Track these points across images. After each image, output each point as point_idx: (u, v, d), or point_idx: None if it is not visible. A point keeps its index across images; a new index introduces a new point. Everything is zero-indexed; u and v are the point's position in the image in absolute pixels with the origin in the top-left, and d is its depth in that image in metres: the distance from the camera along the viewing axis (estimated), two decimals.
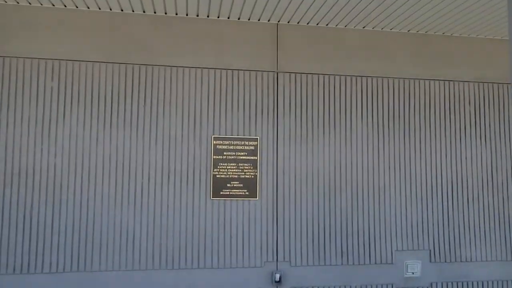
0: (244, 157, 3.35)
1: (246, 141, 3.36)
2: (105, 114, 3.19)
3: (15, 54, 3.10)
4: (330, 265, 3.41)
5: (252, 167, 3.35)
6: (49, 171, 3.08)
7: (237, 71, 3.41)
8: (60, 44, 3.17)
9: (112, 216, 3.13)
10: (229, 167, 3.32)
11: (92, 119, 3.17)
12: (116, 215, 3.14)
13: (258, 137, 3.38)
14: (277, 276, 3.26)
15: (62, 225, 3.07)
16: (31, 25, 3.14)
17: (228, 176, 3.31)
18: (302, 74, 3.50)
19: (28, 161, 3.06)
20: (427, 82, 3.68)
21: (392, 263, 3.49)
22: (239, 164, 3.34)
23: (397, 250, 3.51)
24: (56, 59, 3.15)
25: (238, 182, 3.32)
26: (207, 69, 3.36)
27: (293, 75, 3.49)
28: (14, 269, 2.99)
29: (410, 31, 3.68)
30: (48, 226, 3.05)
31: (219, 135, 3.33)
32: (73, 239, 3.07)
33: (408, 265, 3.51)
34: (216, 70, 3.38)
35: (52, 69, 3.15)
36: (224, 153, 3.32)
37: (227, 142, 3.33)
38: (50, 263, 3.03)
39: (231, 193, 3.30)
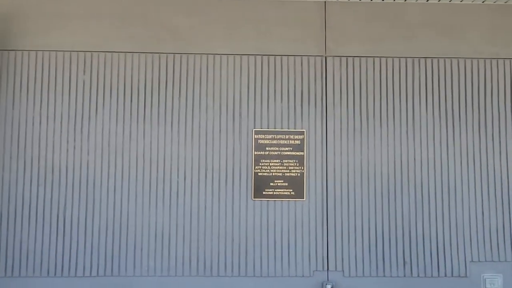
0: (289, 153, 2.98)
1: (291, 134, 2.99)
2: (138, 108, 2.97)
3: (45, 47, 2.97)
4: (390, 276, 2.94)
5: (298, 164, 2.97)
6: (82, 169, 2.92)
7: (280, 56, 3.05)
8: (91, 35, 3.00)
9: (146, 218, 2.91)
10: (272, 164, 2.97)
11: (125, 114, 2.96)
12: (150, 216, 2.91)
13: (304, 130, 3.00)
14: (328, 287, 2.86)
15: (96, 226, 2.89)
16: (62, 16, 3.00)
17: (271, 174, 2.96)
18: (355, 58, 3.06)
19: (61, 159, 2.92)
20: (507, 61, 3.09)
21: (466, 276, 2.95)
22: (284, 161, 2.98)
23: (472, 261, 2.96)
24: (88, 51, 2.99)
25: (282, 181, 2.96)
26: (246, 56, 3.04)
27: (344, 59, 3.06)
28: (48, 272, 2.86)
29: (485, 2, 3.11)
30: (82, 227, 2.89)
31: (261, 128, 2.99)
32: (107, 242, 2.89)
33: (487, 279, 2.95)
34: (257, 56, 3.04)
35: (84, 61, 2.98)
36: (267, 149, 2.98)
37: (269, 136, 2.98)
38: (84, 267, 2.87)
39: (274, 193, 2.95)
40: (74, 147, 2.93)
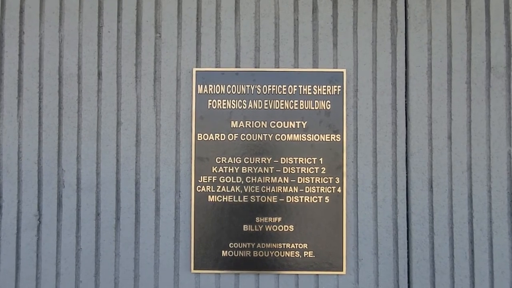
0: (299, 136, 1.03)
1: (307, 84, 1.03)
2: None
3: None
4: None
5: (325, 169, 1.02)
6: None
7: None
8: None
9: None
10: (250, 167, 1.03)
11: None
12: None
13: (343, 71, 1.04)
14: None
15: None
16: None
17: (245, 198, 1.03)
18: None
19: None
20: None
21: None
22: (284, 160, 1.03)
23: None
24: None
25: (279, 219, 1.02)
26: None
27: None
28: None
29: None
30: None
31: (216, 67, 1.05)
32: None
33: None
34: None
35: None
36: (233, 126, 1.04)
37: (242, 90, 1.04)
38: None
39: (256, 253, 1.02)
40: None
